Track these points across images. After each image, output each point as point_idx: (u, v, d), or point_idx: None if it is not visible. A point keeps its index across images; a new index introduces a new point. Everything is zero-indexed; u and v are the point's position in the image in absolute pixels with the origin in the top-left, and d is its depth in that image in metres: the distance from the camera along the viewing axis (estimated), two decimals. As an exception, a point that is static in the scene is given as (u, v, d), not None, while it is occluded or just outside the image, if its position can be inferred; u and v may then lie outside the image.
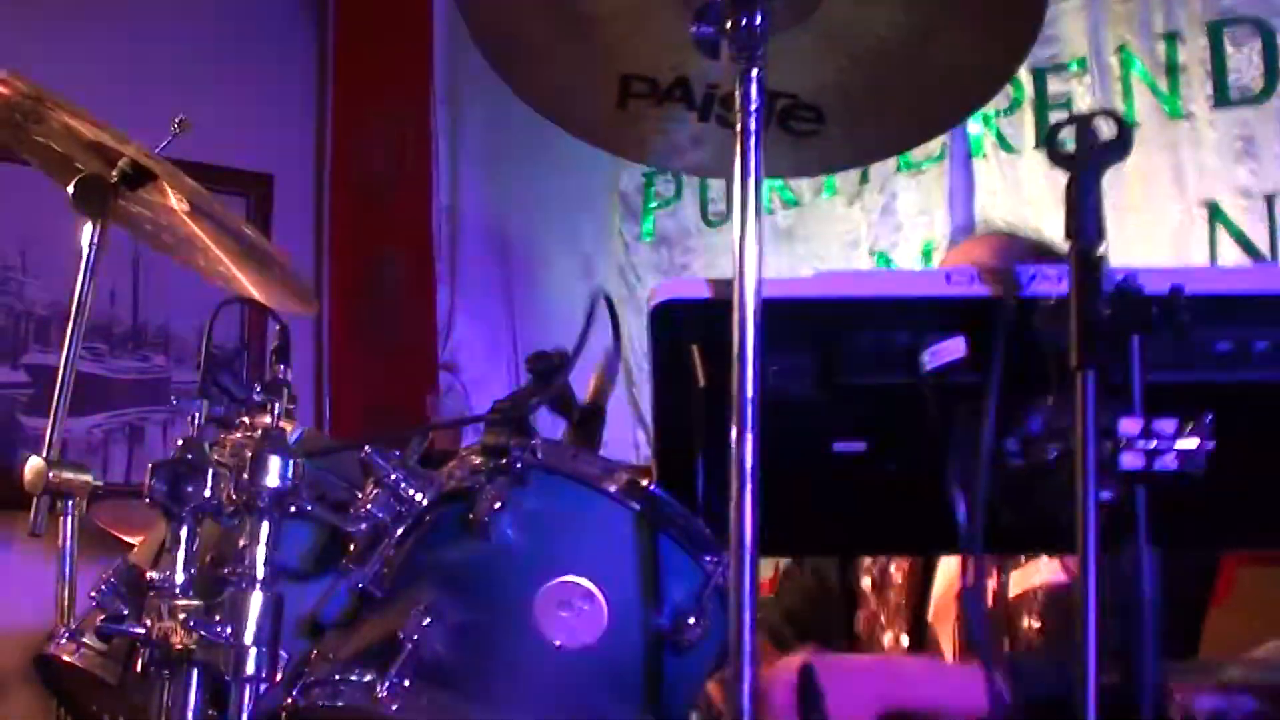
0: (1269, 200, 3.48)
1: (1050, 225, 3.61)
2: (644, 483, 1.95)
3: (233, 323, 5.87)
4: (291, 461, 1.91)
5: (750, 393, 1.69)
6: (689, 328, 1.84)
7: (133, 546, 3.44)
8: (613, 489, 1.94)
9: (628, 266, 4.78)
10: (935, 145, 3.92)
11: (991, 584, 2.49)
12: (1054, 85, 3.84)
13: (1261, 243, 3.49)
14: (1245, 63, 3.56)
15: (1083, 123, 1.76)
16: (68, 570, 2.73)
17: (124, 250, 5.48)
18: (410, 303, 5.61)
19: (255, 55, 6.05)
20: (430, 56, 5.56)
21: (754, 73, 1.77)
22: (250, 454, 1.90)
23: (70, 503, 2.73)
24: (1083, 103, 3.78)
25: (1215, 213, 3.57)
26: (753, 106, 1.76)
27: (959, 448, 1.81)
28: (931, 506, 1.86)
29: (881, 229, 4.11)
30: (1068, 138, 1.79)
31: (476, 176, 5.43)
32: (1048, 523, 1.79)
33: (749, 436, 1.69)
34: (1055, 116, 3.83)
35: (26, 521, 2.69)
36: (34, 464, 2.68)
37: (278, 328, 2.60)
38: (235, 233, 2.84)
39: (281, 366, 2.52)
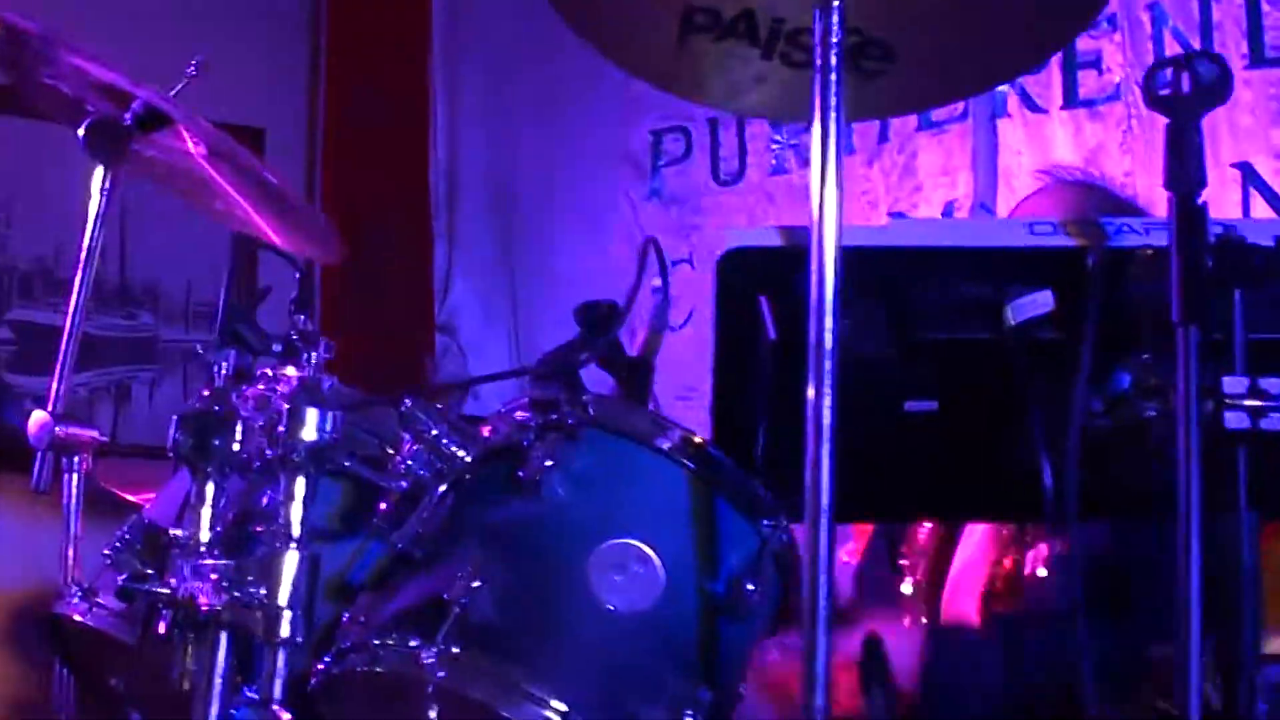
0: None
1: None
2: (697, 440, 1.84)
3: (222, 273, 5.74)
4: (330, 414, 1.79)
5: (829, 346, 1.59)
6: (757, 277, 1.74)
7: (134, 505, 3.34)
8: (666, 446, 1.84)
9: (635, 226, 4.66)
10: (958, 104, 3.81)
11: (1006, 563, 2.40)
12: (1083, 43, 3.72)
13: (1297, 204, 3.41)
14: (1280, 22, 3.47)
15: (1183, 64, 1.65)
16: (73, 529, 2.60)
17: (74, 199, 5.35)
18: (405, 262, 5.48)
19: (247, 6, 5.90)
20: (429, 9, 5.42)
21: (835, 4, 1.65)
22: (287, 406, 1.78)
23: (76, 459, 2.60)
24: (1112, 61, 3.67)
25: (1249, 175, 3.47)
26: (833, 39, 1.65)
27: (1043, 407, 1.72)
28: (1008, 470, 1.77)
29: (901, 189, 4.00)
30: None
31: (476, 133, 5.29)
32: (1133, 487, 1.70)
33: (827, 393, 1.58)
34: (1084, 75, 3.74)
35: (13, 479, 2.58)
36: (38, 417, 2.56)
37: (297, 276, 2.49)
38: (255, 176, 2.71)
39: (302, 317, 2.41)
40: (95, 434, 2.62)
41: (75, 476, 2.61)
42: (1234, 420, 1.54)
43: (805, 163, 4.22)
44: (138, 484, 3.24)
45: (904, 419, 1.81)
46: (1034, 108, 3.80)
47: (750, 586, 1.80)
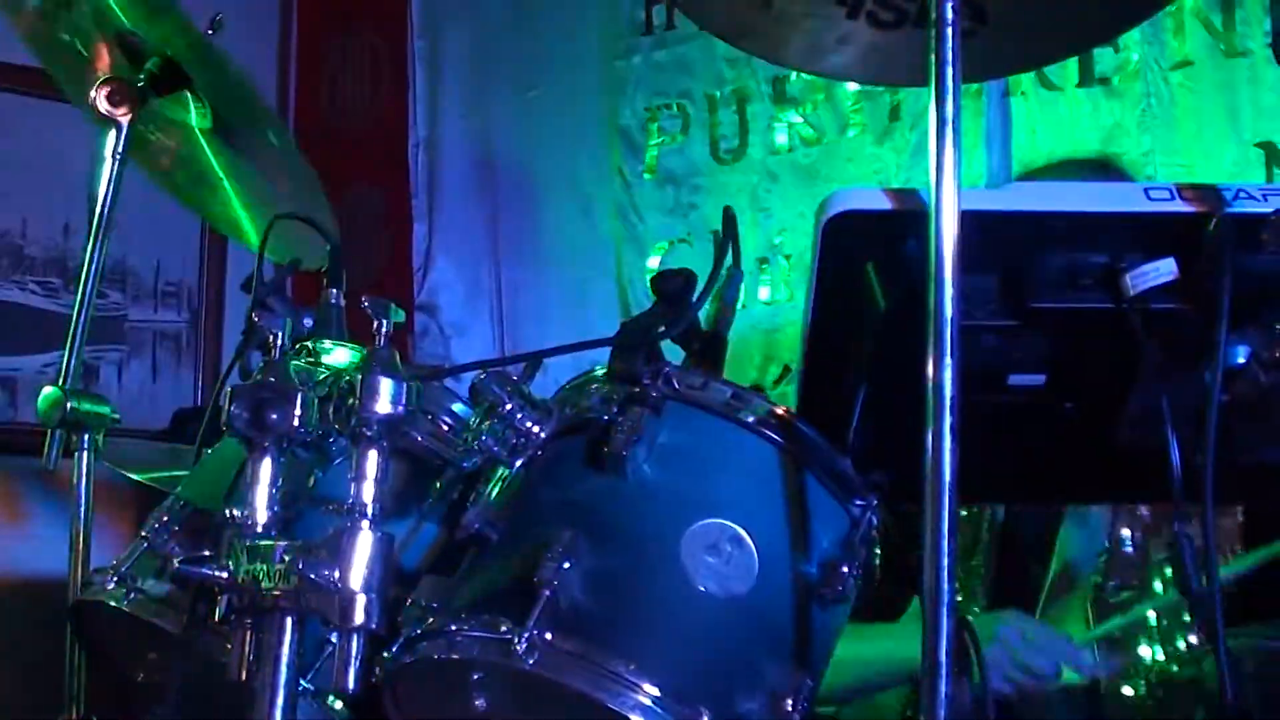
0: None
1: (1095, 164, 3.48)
2: (783, 413, 1.75)
3: (190, 253, 5.63)
4: (405, 385, 1.68)
5: (950, 314, 1.49)
6: (864, 243, 1.65)
7: (139, 491, 3.21)
8: (750, 420, 1.74)
9: (629, 205, 4.55)
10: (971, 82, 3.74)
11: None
12: (1100, 19, 3.66)
13: (1311, 179, 3.36)
14: (1306, -3, 3.41)
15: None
16: (83, 510, 2.49)
17: (79, 181, 5.21)
18: (384, 240, 5.36)
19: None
20: (407, -19, 5.31)
21: (952, -44, 1.57)
22: (360, 377, 1.67)
23: (87, 436, 2.48)
24: (1130, 39, 3.60)
25: (1273, 154, 3.41)
26: (950, -7, 1.56)
27: (1161, 381, 1.63)
28: (1124, 448, 1.69)
29: (913, 169, 3.92)
30: None
31: (458, 108, 5.17)
32: (1255, 467, 1.62)
33: (948, 364, 1.49)
34: (1098, 53, 3.67)
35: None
36: (50, 394, 2.44)
37: (327, 248, 2.39)
38: (258, 153, 2.60)
39: (334, 290, 2.32)
40: (108, 411, 2.50)
41: (86, 455, 2.50)
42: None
43: (807, 140, 4.17)
44: (151, 464, 3.13)
45: (1010, 393, 1.72)
46: (1049, 85, 3.73)
47: (844, 570, 1.71)
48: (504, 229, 4.97)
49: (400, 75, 5.32)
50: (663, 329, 1.80)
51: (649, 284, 1.86)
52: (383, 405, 1.67)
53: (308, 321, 2.26)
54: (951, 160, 1.54)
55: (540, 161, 4.88)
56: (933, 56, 1.57)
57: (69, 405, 2.43)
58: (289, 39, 5.90)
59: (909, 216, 1.58)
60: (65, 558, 2.53)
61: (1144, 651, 2.44)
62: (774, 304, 4.16)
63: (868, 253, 1.64)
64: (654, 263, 4.47)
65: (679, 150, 4.48)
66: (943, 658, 1.47)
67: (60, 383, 2.46)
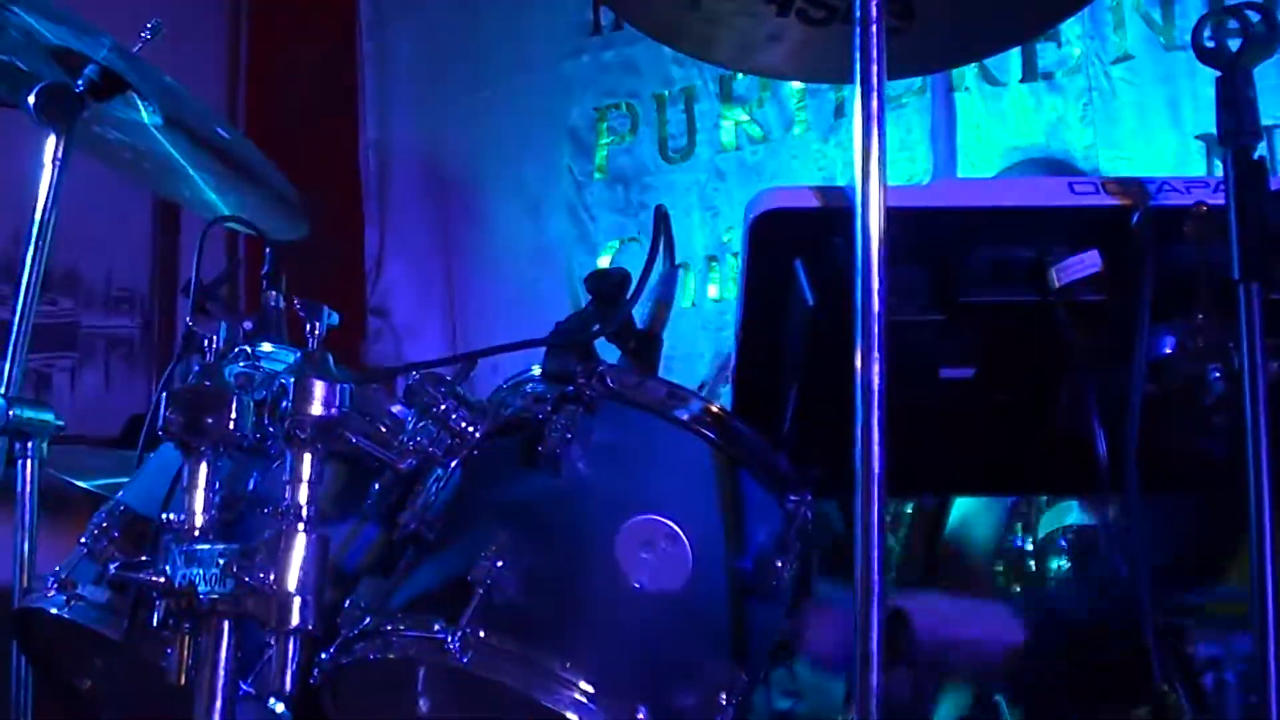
0: (1269, 132, 3.36)
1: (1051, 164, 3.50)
2: (717, 410, 1.76)
3: (142, 259, 5.60)
4: (338, 388, 1.68)
5: (877, 310, 1.51)
6: (792, 241, 1.66)
7: (89, 493, 3.20)
8: (685, 418, 1.75)
9: (579, 205, 4.56)
10: (914, 78, 3.75)
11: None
12: (1041, 15, 3.69)
13: (1260, 178, 3.37)
14: (1244, -7, 3.43)
15: (1231, 16, 1.59)
16: (27, 518, 2.47)
17: (30, 188, 5.18)
18: (335, 243, 5.34)
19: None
20: (354, -19, 5.31)
21: (875, -46, 1.58)
22: (292, 379, 1.67)
23: (31, 444, 2.47)
24: (1071, 33, 3.63)
25: (1214, 146, 3.43)
26: (875, -9, 1.57)
27: (1087, 372, 1.65)
28: (1052, 440, 1.71)
29: (859, 164, 3.93)
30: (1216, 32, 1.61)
31: (408, 109, 5.17)
32: (1181, 455, 1.64)
33: (876, 359, 1.51)
34: (1043, 48, 3.69)
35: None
36: (-10, 401, 2.43)
37: (267, 250, 2.38)
38: (212, 144, 2.59)
39: (273, 293, 2.31)
40: (51, 418, 2.49)
41: (29, 463, 2.48)
42: (1301, 382, 1.48)
43: (753, 138, 4.19)
44: (97, 471, 3.12)
45: (940, 386, 1.74)
46: (992, 80, 3.76)
47: (779, 564, 1.72)
48: (455, 230, 4.97)
49: (350, 78, 5.31)
50: (597, 328, 1.81)
51: (583, 283, 1.87)
52: (316, 408, 1.68)
53: (248, 324, 2.25)
54: (877, 157, 1.55)
55: (490, 162, 4.88)
56: (858, 54, 1.58)
57: (11, 413, 2.41)
58: (238, 41, 5.88)
59: (836, 214, 1.59)
60: (9, 567, 2.52)
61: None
62: (723, 301, 4.17)
63: (795, 250, 1.65)
64: (604, 262, 4.48)
65: (628, 150, 4.49)
66: (874, 648, 1.49)
67: (3, 390, 2.44)
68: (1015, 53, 3.71)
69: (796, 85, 4.09)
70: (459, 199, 4.99)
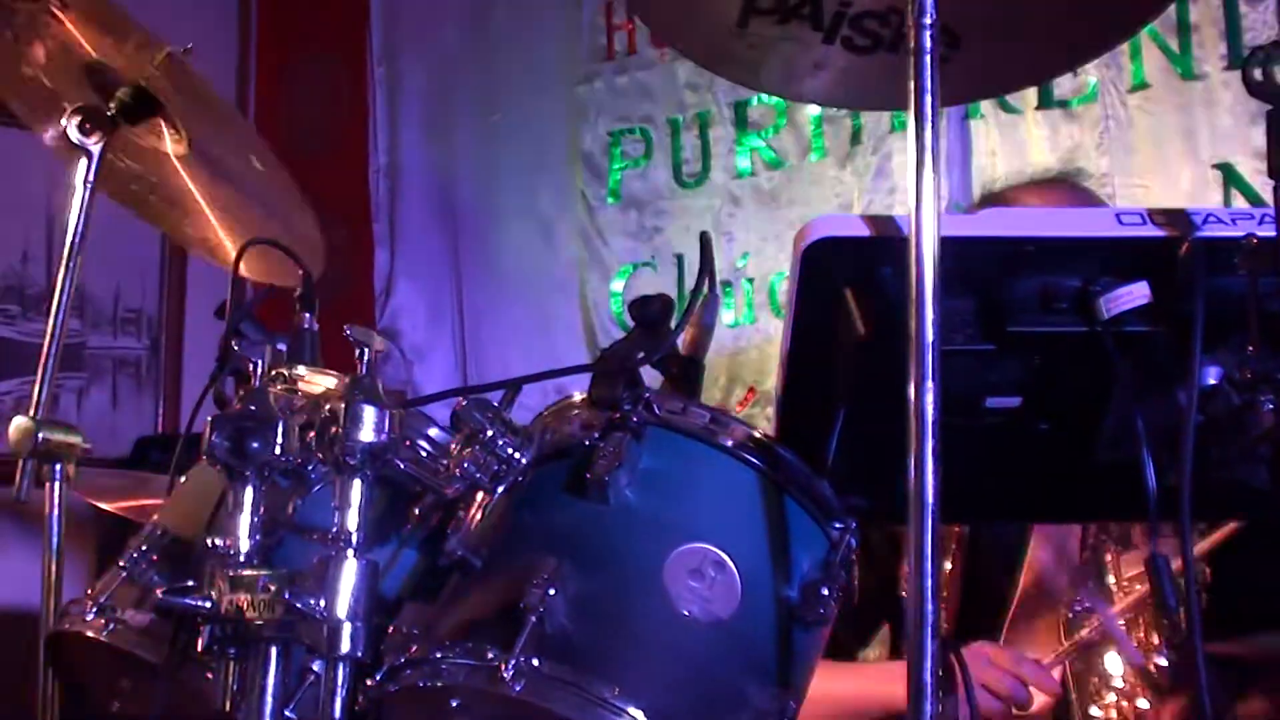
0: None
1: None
2: (761, 437, 1.77)
3: (150, 280, 5.60)
4: (388, 413, 1.69)
5: (930, 339, 1.52)
6: (843, 269, 1.66)
7: (102, 520, 3.20)
8: (730, 444, 1.76)
9: (592, 230, 4.57)
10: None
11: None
12: (1057, 43, 3.70)
13: (1277, 207, 3.39)
14: (1260, 22, 3.46)
15: (1281, 50, 1.60)
16: (55, 541, 2.48)
17: (37, 207, 5.20)
18: (345, 265, 5.35)
19: (174, 6, 5.73)
20: (366, 7, 5.31)
21: (928, -17, 1.59)
22: (342, 405, 1.68)
23: (58, 467, 2.47)
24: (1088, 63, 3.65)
25: (1230, 175, 3.46)
26: (927, 20, 1.58)
27: (1138, 402, 1.66)
28: (1100, 468, 1.72)
29: (875, 192, 3.96)
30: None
31: (419, 134, 5.19)
32: (1226, 485, 1.65)
33: (929, 388, 1.51)
34: (1058, 78, 3.70)
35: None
36: (20, 424, 2.44)
37: (301, 274, 2.39)
38: (236, 177, 2.60)
39: (307, 315, 2.32)
40: (79, 440, 2.49)
41: (58, 485, 2.49)
42: (1353, 413, 1.49)
43: (769, 164, 4.20)
44: (124, 492, 3.12)
45: (986, 415, 1.75)
46: (1008, 108, 3.77)
47: (825, 591, 1.73)
48: (465, 253, 4.98)
49: (360, 101, 5.32)
50: (642, 355, 1.81)
51: (627, 309, 1.87)
52: (367, 434, 1.68)
53: (281, 347, 2.26)
54: (931, 186, 1.56)
55: (502, 186, 4.89)
56: (912, 84, 1.59)
57: (40, 436, 2.41)
58: (248, 65, 5.90)
59: (887, 242, 1.60)
60: (28, 586, 2.52)
61: (1112, 667, 2.46)
62: (738, 326, 4.18)
63: (846, 278, 1.65)
64: (618, 286, 4.49)
65: (642, 174, 4.51)
66: (927, 679, 1.49)
67: (31, 413, 2.45)
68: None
69: (813, 111, 4.10)
70: (470, 222, 5.00)
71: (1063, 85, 3.69)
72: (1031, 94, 3.74)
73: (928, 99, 1.57)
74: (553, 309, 4.65)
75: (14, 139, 3.25)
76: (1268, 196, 3.23)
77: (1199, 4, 3.54)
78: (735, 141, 4.29)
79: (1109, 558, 2.47)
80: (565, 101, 4.70)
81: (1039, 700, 2.43)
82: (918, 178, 1.56)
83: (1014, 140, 3.76)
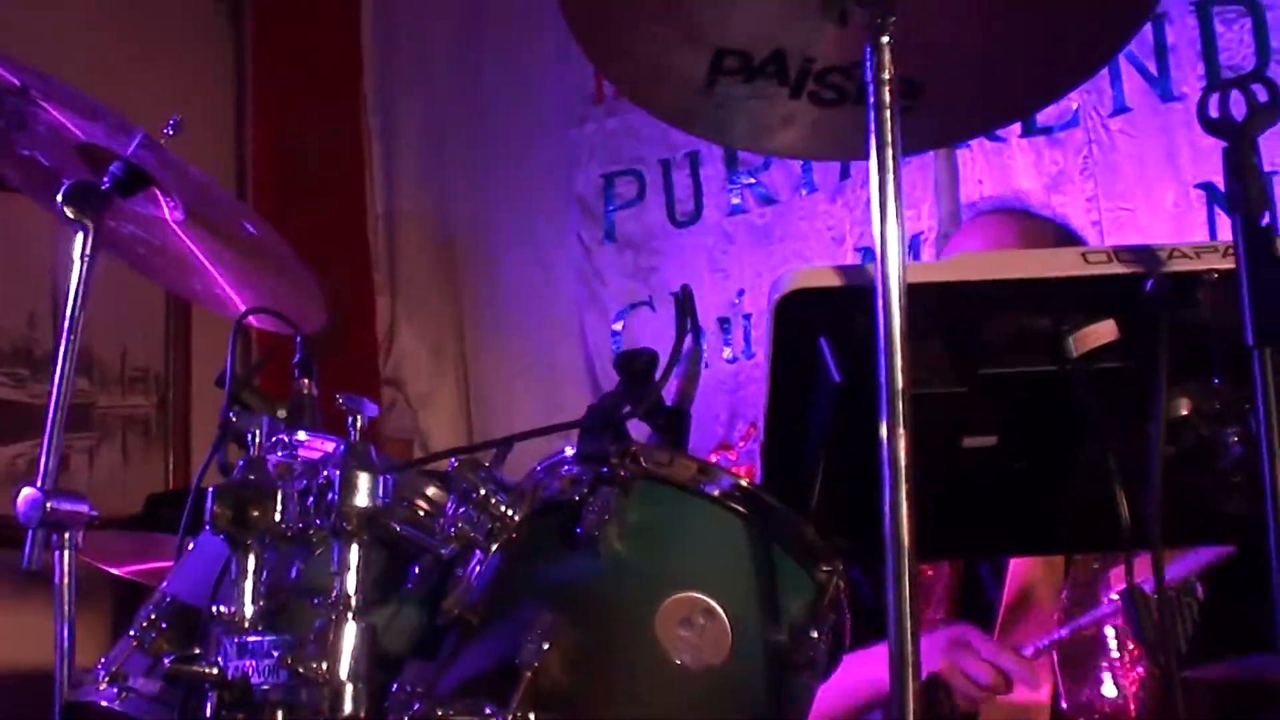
0: (1269, 179, 3.41)
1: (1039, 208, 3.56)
2: (747, 485, 1.81)
3: (156, 338, 5.66)
4: (382, 479, 1.74)
5: (901, 385, 1.56)
6: (817, 319, 1.71)
7: (114, 582, 3.25)
8: (717, 493, 1.80)
9: (589, 270, 4.62)
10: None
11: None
12: (1038, 70, 3.75)
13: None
14: (1236, 41, 3.50)
15: (1237, 87, 1.65)
16: (67, 609, 2.52)
17: (43, 271, 5.25)
18: (348, 315, 5.40)
19: (170, 61, 5.80)
20: (359, 59, 5.38)
21: (885, 39, 1.64)
22: (338, 472, 1.73)
23: (67, 535, 2.52)
24: (1069, 88, 3.70)
25: (1213, 194, 3.50)
26: (886, 76, 1.63)
27: (1107, 437, 1.70)
28: (1075, 501, 1.76)
29: (866, 224, 4.00)
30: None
31: (416, 181, 5.24)
32: (1197, 514, 1.69)
33: (901, 433, 1.56)
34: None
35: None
36: (29, 494, 2.48)
37: (298, 339, 2.44)
38: (234, 237, 2.66)
39: (306, 381, 2.37)
40: (87, 508, 2.54)
41: (68, 554, 2.53)
42: (1313, 443, 1.52)
43: (761, 201, 4.25)
44: (132, 555, 3.17)
45: (963, 454, 1.79)
46: (993, 137, 3.82)
47: (814, 634, 1.77)
48: (466, 299, 5.03)
49: (357, 152, 5.38)
50: (628, 409, 1.86)
51: (613, 364, 1.92)
52: (362, 499, 1.73)
53: (282, 413, 2.30)
54: (896, 236, 1.61)
55: (499, 230, 4.95)
56: (873, 138, 1.64)
57: (49, 506, 2.46)
58: (245, 119, 5.96)
59: (858, 292, 1.64)
60: (42, 647, 2.57)
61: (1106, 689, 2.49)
62: (736, 362, 4.22)
63: (820, 328, 1.70)
64: (618, 326, 4.54)
65: (636, 215, 4.55)
66: (909, 716, 1.53)
67: (39, 483, 2.50)
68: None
69: (803, 149, 4.15)
70: (469, 268, 5.05)
71: (1046, 112, 3.73)
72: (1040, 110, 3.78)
73: (888, 152, 1.62)
74: (554, 351, 4.69)
75: (19, 203, 3.30)
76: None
77: (1175, 26, 3.58)
78: (727, 180, 4.33)
79: (1096, 565, 2.51)
80: (558, 145, 4.75)
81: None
82: (882, 228, 1.61)
83: (1000, 168, 3.81)
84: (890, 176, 1.63)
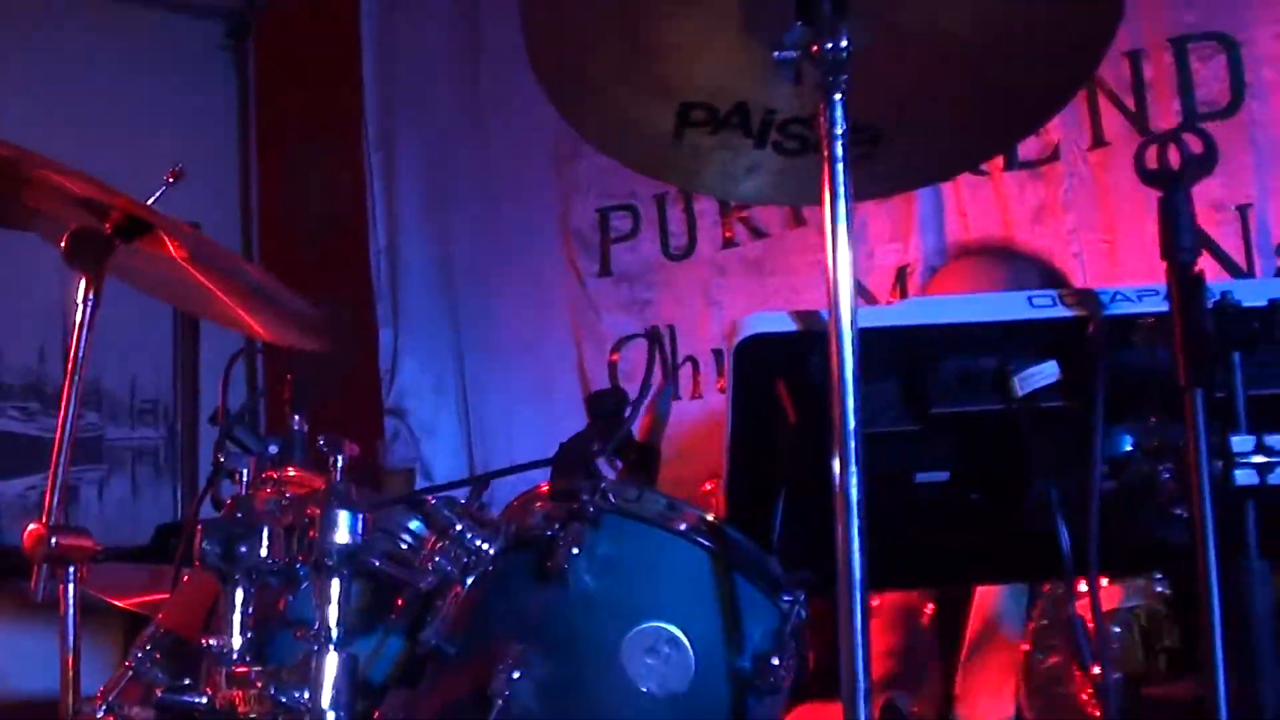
0: (1241, 211, 3.50)
1: (1023, 245, 3.65)
2: (711, 518, 1.90)
3: (164, 370, 5.75)
4: (360, 516, 1.82)
5: (852, 425, 1.65)
6: (774, 362, 1.80)
7: (125, 611, 3.34)
8: (683, 527, 1.89)
9: (585, 303, 4.71)
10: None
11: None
12: (1021, 106, 3.84)
13: (1237, 254, 3.51)
14: (1211, 77, 3.58)
15: (1171, 139, 1.73)
16: (71, 640, 2.61)
17: (53, 307, 5.35)
18: (352, 347, 5.49)
19: (178, 101, 5.92)
20: (360, 98, 5.48)
21: (837, 96, 1.73)
22: (319, 510, 1.82)
23: (71, 569, 2.61)
24: (1050, 124, 3.78)
25: (1188, 227, 3.58)
26: (838, 130, 1.72)
27: (1052, 472, 1.78)
28: (1021, 533, 1.84)
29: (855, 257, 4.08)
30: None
31: (416, 216, 5.34)
32: (1141, 544, 1.77)
33: (853, 470, 1.64)
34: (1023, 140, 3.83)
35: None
36: (33, 530, 2.57)
37: (289, 376, 2.53)
38: (237, 273, 2.75)
39: (297, 417, 2.45)
40: (90, 543, 2.63)
41: (71, 587, 2.62)
42: (1243, 477, 1.61)
43: (753, 234, 4.33)
44: (136, 588, 3.26)
45: (916, 490, 1.87)
46: (977, 170, 3.89)
47: (775, 661, 1.85)
48: (466, 330, 5.12)
49: (359, 186, 5.48)
50: (598, 447, 1.94)
51: (584, 404, 2.00)
52: (341, 536, 1.82)
53: (273, 448, 2.39)
54: (848, 284, 1.70)
55: (499, 265, 5.04)
56: (826, 190, 1.72)
57: (53, 541, 2.55)
58: (250, 156, 6.07)
59: (812, 336, 1.73)
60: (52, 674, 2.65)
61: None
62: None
63: (777, 370, 1.79)
64: (615, 357, 4.61)
65: (631, 248, 4.64)
66: (863, 730, 1.61)
67: (44, 519, 2.58)
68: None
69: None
70: (469, 299, 5.14)
71: (1027, 146, 3.81)
72: (998, 156, 3.86)
73: (841, 204, 1.71)
74: (553, 381, 4.78)
75: (29, 240, 3.39)
76: (1225, 244, 3.37)
77: (1152, 62, 3.66)
78: (720, 214, 4.41)
79: (1061, 592, 2.57)
80: (555, 179, 4.84)
81: None
82: (834, 276, 1.70)
83: (984, 201, 3.88)
84: (842, 226, 1.71)
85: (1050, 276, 3.03)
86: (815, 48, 1.73)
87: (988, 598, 2.66)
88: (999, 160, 3.83)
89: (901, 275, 3.99)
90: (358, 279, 5.46)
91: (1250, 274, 3.48)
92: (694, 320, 4.39)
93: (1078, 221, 3.70)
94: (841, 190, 1.72)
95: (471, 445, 5.04)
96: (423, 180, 5.32)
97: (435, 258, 5.28)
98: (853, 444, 1.64)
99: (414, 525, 2.09)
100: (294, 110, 5.84)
